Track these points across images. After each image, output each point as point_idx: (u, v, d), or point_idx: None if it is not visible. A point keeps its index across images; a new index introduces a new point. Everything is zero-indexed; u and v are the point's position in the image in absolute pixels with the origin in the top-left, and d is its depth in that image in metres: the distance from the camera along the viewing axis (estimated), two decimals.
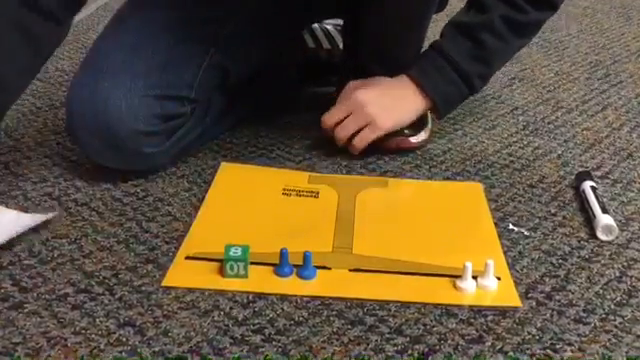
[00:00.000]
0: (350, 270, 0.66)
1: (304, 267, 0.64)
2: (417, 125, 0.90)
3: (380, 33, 0.89)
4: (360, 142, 0.86)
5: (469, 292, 0.62)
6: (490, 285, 0.63)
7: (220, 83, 0.88)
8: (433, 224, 0.74)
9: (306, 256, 0.64)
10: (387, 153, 0.89)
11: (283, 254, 0.64)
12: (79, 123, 0.78)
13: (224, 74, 0.88)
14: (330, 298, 0.62)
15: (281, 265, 0.64)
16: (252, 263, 0.64)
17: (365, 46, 0.92)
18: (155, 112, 0.79)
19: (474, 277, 0.63)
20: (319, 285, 0.63)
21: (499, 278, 0.64)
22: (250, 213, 0.74)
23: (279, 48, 0.99)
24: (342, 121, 0.87)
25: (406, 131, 0.89)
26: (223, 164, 0.85)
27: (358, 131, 0.86)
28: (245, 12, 0.88)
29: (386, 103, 0.86)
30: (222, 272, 0.64)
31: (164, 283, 0.63)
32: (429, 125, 0.93)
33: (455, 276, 0.64)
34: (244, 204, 0.76)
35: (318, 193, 0.79)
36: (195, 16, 0.85)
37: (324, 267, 0.65)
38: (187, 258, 0.66)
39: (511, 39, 0.86)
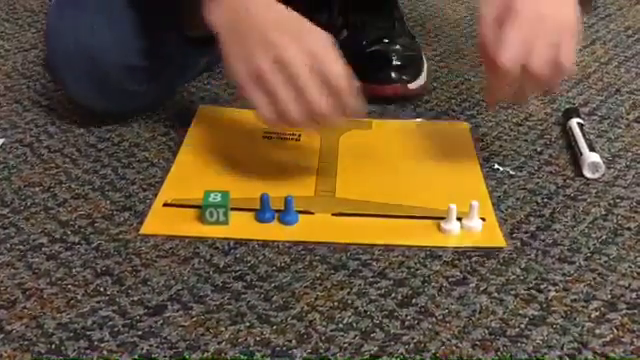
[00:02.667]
0: (333, 214, 0.64)
1: (286, 212, 0.63)
2: (414, 69, 0.86)
3: None
4: (559, 74, 0.63)
5: (453, 234, 0.62)
6: (475, 226, 0.62)
7: None
8: (418, 166, 0.73)
9: (287, 201, 0.62)
10: (381, 102, 0.83)
11: (264, 199, 0.62)
12: (61, 58, 0.73)
13: None
14: (313, 243, 0.60)
15: (262, 210, 0.63)
16: (232, 209, 0.62)
17: None
18: (143, 45, 0.74)
19: (459, 219, 0.62)
20: (302, 230, 0.62)
21: (484, 219, 0.63)
22: (230, 157, 0.72)
23: None
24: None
25: (404, 77, 0.84)
26: (201, 107, 0.82)
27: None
28: None
29: (549, 10, 0.62)
30: (202, 219, 0.62)
31: (142, 231, 0.61)
32: (425, 69, 0.89)
33: (440, 218, 0.63)
34: (223, 148, 0.74)
35: (300, 136, 0.77)
36: None
37: (307, 212, 0.64)
38: (165, 205, 0.65)
39: None
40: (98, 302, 0.53)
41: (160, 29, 0.76)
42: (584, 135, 0.75)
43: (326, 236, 0.61)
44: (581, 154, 0.73)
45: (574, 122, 0.78)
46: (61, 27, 0.73)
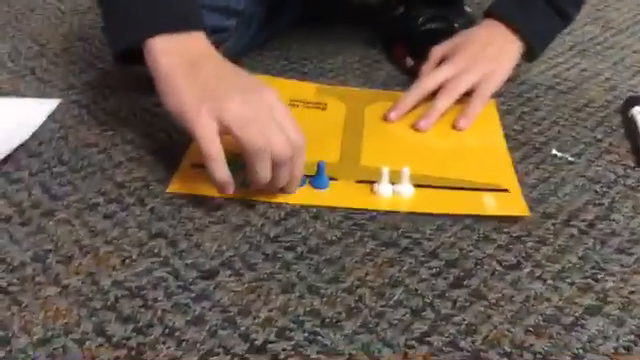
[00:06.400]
0: (357, 181, 0.64)
1: (317, 176, 0.63)
2: None
3: None
4: (478, 102, 0.75)
5: (384, 196, 0.62)
6: (404, 191, 0.63)
7: None
8: (442, 137, 0.72)
9: (319, 165, 0.62)
10: None
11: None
12: None
13: None
14: (344, 208, 0.60)
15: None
16: None
17: None
18: None
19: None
20: (331, 195, 0.62)
21: (507, 190, 0.64)
22: None
23: None
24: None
25: None
26: None
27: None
28: None
29: (495, 54, 0.77)
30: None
31: (169, 189, 0.62)
32: None
33: (461, 188, 0.64)
34: None
35: (326, 105, 0.76)
36: None
37: (331, 178, 0.64)
38: (193, 165, 0.65)
39: None
40: (152, 263, 0.54)
41: None
42: None
43: (351, 202, 0.62)
44: None
45: (636, 111, 0.76)
46: None
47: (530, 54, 0.81)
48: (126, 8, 0.62)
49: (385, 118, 0.75)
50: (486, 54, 0.77)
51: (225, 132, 0.56)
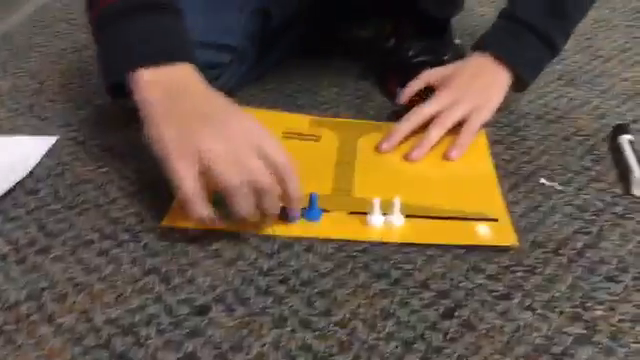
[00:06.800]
0: (349, 213, 0.65)
1: (310, 208, 0.64)
2: None
3: None
4: (469, 133, 0.76)
5: (376, 227, 0.63)
6: (395, 222, 0.64)
7: (260, 29, 0.85)
8: (433, 167, 0.73)
9: (312, 197, 0.63)
10: None
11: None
12: None
13: (265, 19, 0.85)
14: (337, 240, 0.61)
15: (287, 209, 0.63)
16: None
17: None
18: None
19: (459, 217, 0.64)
20: (323, 227, 0.63)
21: (497, 220, 0.65)
22: None
23: None
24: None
25: None
26: None
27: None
28: None
29: (485, 85, 0.79)
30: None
31: (163, 223, 0.62)
32: None
33: (451, 218, 0.64)
34: None
35: (319, 137, 0.78)
36: None
37: (324, 210, 0.65)
38: None
39: None
40: (146, 299, 0.55)
41: None
42: (634, 152, 0.74)
43: (344, 234, 0.62)
44: (631, 172, 0.71)
45: (624, 138, 0.77)
46: None
47: (519, 85, 0.82)
48: (115, 41, 0.64)
49: (377, 149, 0.76)
50: (476, 86, 0.79)
51: (204, 170, 0.56)
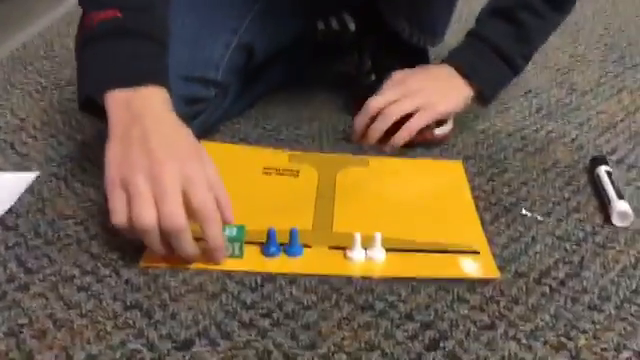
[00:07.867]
0: (330, 247, 0.65)
1: (291, 244, 0.64)
2: None
3: None
4: (408, 130, 0.80)
5: (358, 262, 0.63)
6: (377, 256, 0.64)
7: (243, 64, 0.86)
8: (413, 201, 0.74)
9: (292, 232, 0.63)
10: (407, 146, 0.83)
11: (271, 234, 0.63)
12: None
13: (248, 55, 0.86)
14: (320, 275, 0.61)
15: (268, 245, 0.64)
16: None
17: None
18: (180, 93, 0.73)
19: (448, 252, 0.65)
20: (305, 262, 0.63)
21: (478, 252, 0.65)
22: (231, 192, 0.72)
23: (302, 28, 0.97)
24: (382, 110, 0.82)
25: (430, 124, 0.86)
26: (203, 143, 0.83)
27: (396, 127, 0.81)
28: None
29: (441, 87, 0.84)
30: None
31: (142, 264, 0.61)
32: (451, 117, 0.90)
33: (432, 251, 0.65)
34: (225, 183, 0.74)
35: (298, 172, 0.78)
36: None
37: (304, 245, 0.65)
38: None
39: (549, 14, 0.84)
40: (127, 335, 0.54)
41: None
42: (612, 183, 0.75)
43: (327, 269, 0.62)
44: (610, 202, 0.72)
45: (602, 170, 0.78)
46: None
47: (482, 98, 0.86)
48: (91, 62, 0.65)
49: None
50: (430, 86, 0.83)
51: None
